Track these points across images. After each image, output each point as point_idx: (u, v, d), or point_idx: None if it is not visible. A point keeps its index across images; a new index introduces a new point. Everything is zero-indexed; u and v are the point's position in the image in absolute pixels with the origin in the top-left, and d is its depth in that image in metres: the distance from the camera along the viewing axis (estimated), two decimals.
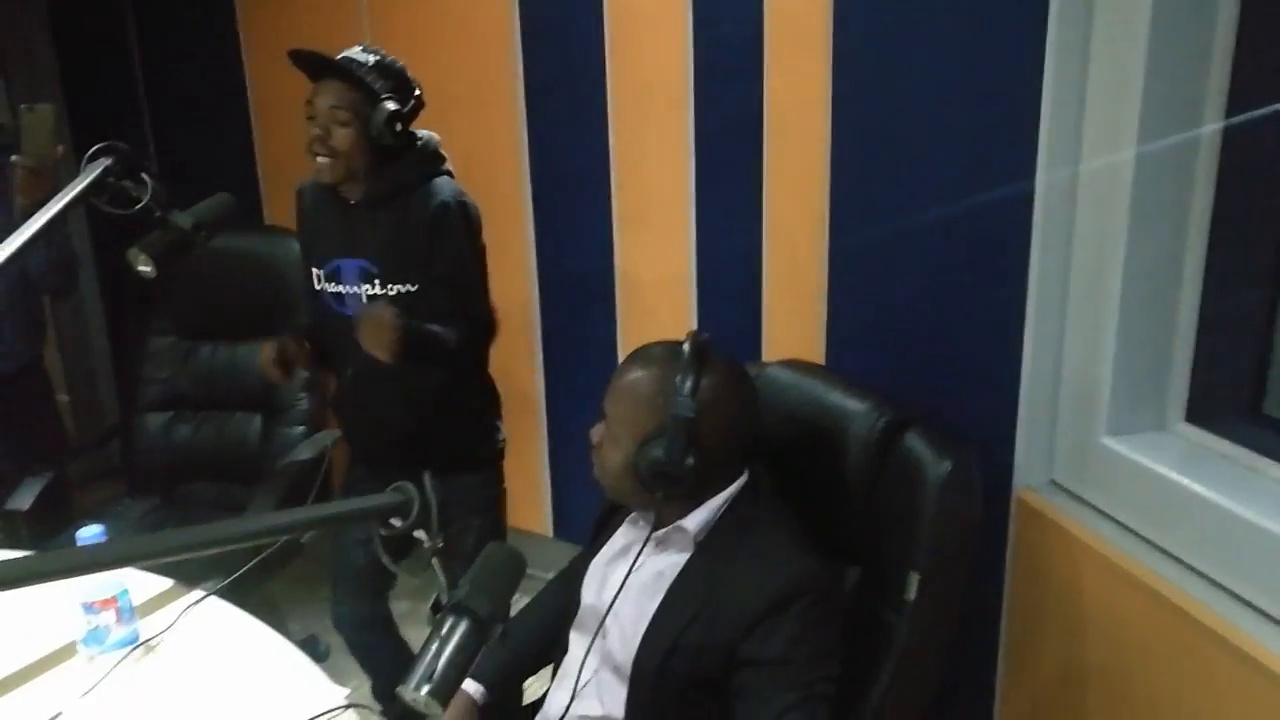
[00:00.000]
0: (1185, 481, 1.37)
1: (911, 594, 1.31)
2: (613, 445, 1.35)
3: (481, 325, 1.97)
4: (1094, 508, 1.55)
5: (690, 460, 1.28)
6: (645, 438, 1.30)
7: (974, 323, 1.74)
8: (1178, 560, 1.38)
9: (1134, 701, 1.44)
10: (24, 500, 2.27)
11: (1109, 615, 1.48)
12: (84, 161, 1.55)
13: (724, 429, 1.33)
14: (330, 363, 2.08)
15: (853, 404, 1.45)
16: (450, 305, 1.90)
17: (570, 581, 1.57)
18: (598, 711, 1.38)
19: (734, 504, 1.37)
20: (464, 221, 1.90)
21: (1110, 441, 1.51)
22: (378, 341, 1.75)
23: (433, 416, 2.01)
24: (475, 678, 1.49)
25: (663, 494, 1.31)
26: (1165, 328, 1.48)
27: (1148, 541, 1.44)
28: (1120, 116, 1.43)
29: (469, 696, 1.49)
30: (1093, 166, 1.50)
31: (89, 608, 1.40)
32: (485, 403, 2.13)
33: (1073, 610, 1.55)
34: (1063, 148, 1.52)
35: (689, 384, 1.29)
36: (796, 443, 1.49)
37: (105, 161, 1.55)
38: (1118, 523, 1.50)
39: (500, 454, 2.15)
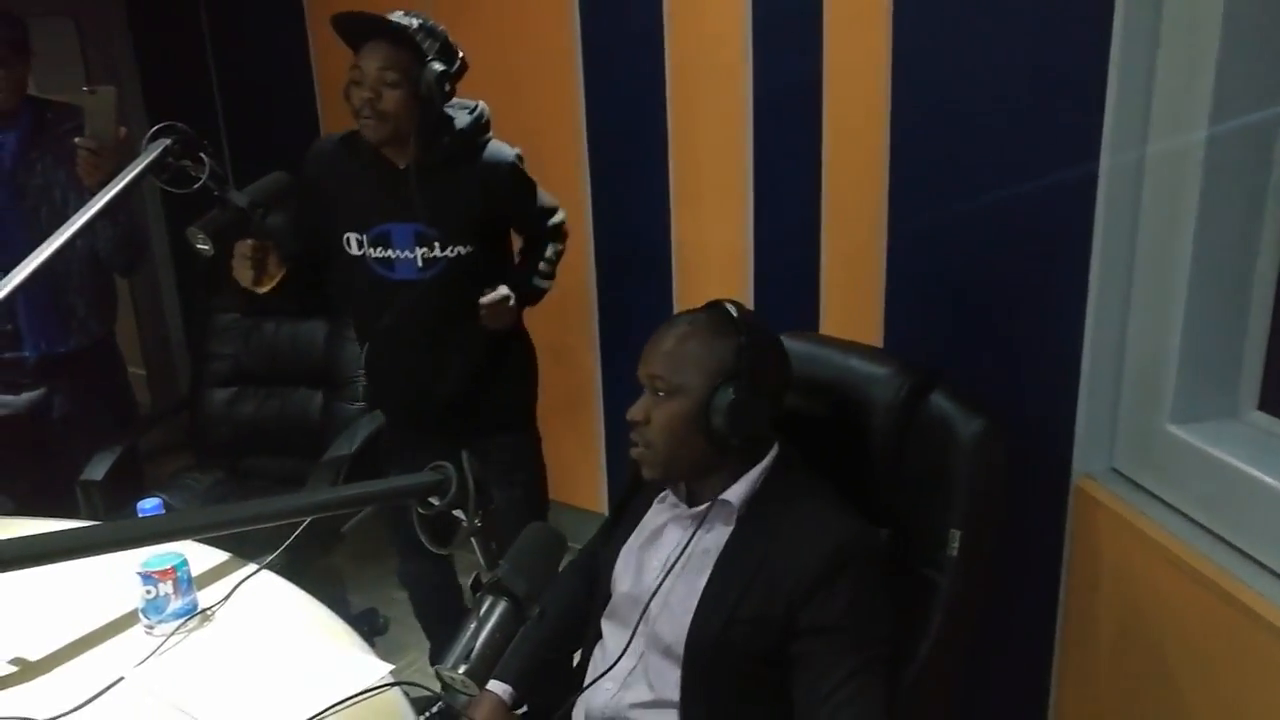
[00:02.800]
0: (1256, 473, 1.31)
1: (954, 550, 1.32)
2: (667, 412, 1.33)
3: (563, 222, 2.15)
4: (1157, 498, 1.49)
5: (762, 399, 1.31)
6: (713, 388, 1.30)
7: (1034, 303, 1.69)
8: (1246, 555, 1.32)
9: (1194, 698, 1.39)
10: (97, 471, 2.35)
11: (1170, 609, 1.42)
12: (144, 142, 1.59)
13: (774, 380, 1.37)
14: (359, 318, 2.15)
15: (875, 369, 1.46)
16: (546, 228, 2.10)
17: (589, 568, 1.56)
18: (648, 697, 1.37)
19: (770, 475, 1.36)
20: (526, 171, 2.02)
21: (1176, 429, 1.45)
22: (502, 320, 1.95)
23: (482, 375, 2.03)
24: (500, 677, 1.48)
25: (739, 440, 1.31)
26: (1237, 310, 1.42)
27: (1214, 535, 1.38)
28: (1192, 94, 1.36)
29: (496, 696, 1.48)
30: (1162, 145, 1.44)
31: (147, 578, 1.44)
32: (528, 356, 2.17)
33: (1132, 603, 1.50)
34: (1130, 126, 1.46)
35: (747, 335, 1.32)
36: (818, 411, 1.50)
37: (165, 142, 1.58)
38: (1182, 514, 1.44)
39: (534, 406, 2.20)
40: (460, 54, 1.90)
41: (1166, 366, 1.46)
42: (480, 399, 2.05)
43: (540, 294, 2.09)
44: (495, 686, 1.48)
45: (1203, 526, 1.41)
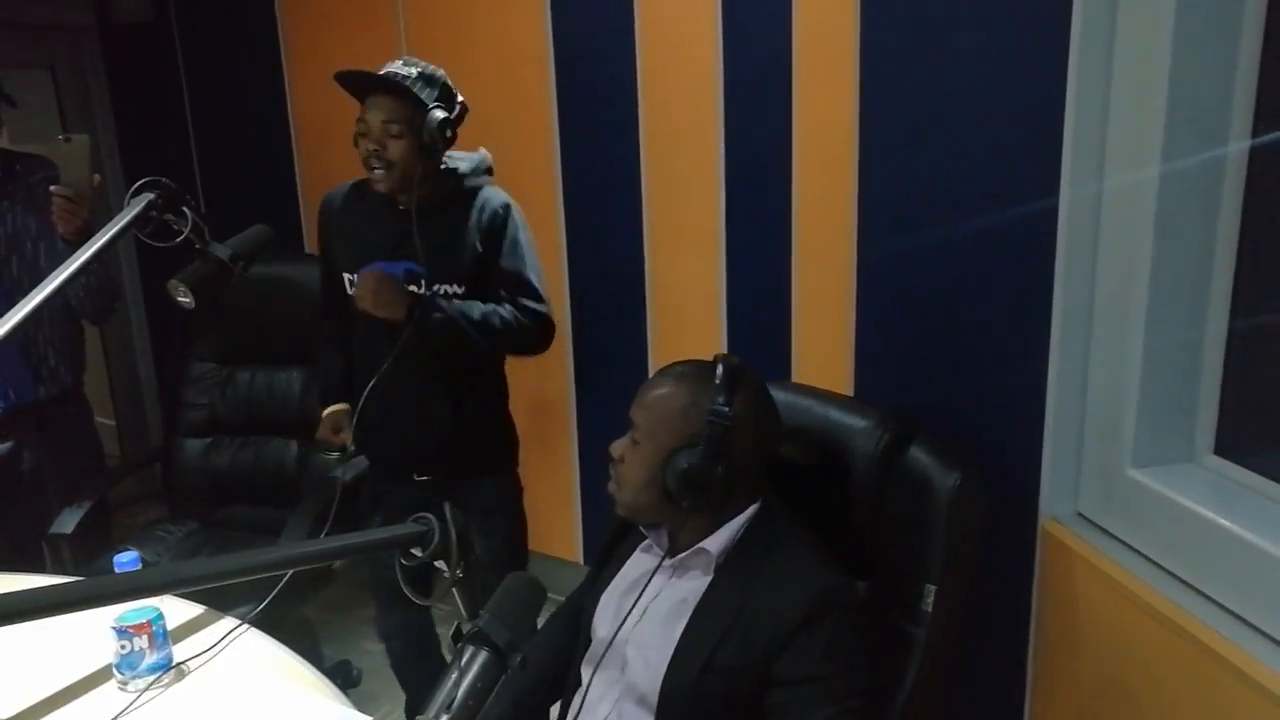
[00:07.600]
0: (1212, 515, 1.35)
1: (929, 605, 1.33)
2: (637, 458, 1.37)
3: (545, 317, 2.02)
4: (1120, 541, 1.53)
5: (720, 469, 1.30)
6: (674, 449, 1.32)
7: (998, 349, 1.73)
8: (1205, 596, 1.36)
9: None
10: (67, 525, 2.32)
11: (1136, 651, 1.45)
12: (128, 196, 1.60)
13: (751, 446, 1.35)
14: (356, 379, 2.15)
15: (856, 420, 1.48)
16: (516, 298, 1.99)
17: (574, 615, 1.57)
18: None
19: (753, 525, 1.37)
20: (517, 221, 2.02)
21: (1136, 473, 1.49)
22: (381, 300, 1.88)
23: (467, 418, 2.06)
24: None
25: (689, 503, 1.32)
26: (1192, 355, 1.47)
27: (1174, 576, 1.42)
28: (1144, 133, 1.42)
29: None
30: (1116, 184, 1.50)
31: (122, 632, 1.43)
32: (504, 401, 2.19)
33: (1100, 645, 1.53)
34: (1086, 166, 1.52)
35: (724, 397, 1.32)
36: (801, 461, 1.51)
37: (149, 196, 1.60)
38: (1144, 556, 1.48)
39: (517, 451, 2.22)
40: (460, 98, 1.97)
41: (1126, 411, 1.50)
42: (461, 442, 2.07)
43: (442, 323, 1.90)
44: None
45: (1163, 568, 1.44)
